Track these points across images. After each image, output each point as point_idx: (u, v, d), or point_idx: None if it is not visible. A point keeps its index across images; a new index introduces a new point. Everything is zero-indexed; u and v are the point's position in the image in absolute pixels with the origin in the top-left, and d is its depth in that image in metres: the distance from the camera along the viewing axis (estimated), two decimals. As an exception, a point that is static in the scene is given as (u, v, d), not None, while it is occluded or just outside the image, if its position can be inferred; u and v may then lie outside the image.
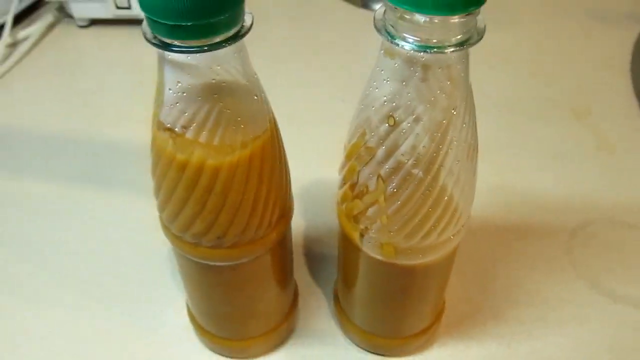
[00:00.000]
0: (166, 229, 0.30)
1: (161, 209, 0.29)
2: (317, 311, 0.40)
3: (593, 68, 0.66)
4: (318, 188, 0.49)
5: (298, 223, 0.46)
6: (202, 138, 0.25)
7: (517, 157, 0.53)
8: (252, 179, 0.27)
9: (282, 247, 0.33)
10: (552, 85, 0.63)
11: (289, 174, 0.31)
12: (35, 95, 0.62)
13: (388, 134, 0.26)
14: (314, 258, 0.44)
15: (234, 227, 0.27)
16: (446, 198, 0.28)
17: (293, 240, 0.35)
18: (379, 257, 0.30)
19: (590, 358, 0.37)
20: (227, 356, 0.37)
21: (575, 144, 0.55)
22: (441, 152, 0.26)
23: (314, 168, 0.48)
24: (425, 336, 0.37)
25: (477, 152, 0.29)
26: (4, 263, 0.43)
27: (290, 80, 0.64)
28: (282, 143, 0.30)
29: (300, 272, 0.43)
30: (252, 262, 0.30)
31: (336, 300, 0.39)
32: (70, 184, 0.50)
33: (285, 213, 0.31)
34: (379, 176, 0.27)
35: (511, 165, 0.52)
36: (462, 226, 0.31)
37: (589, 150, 0.54)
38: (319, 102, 0.61)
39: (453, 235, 0.30)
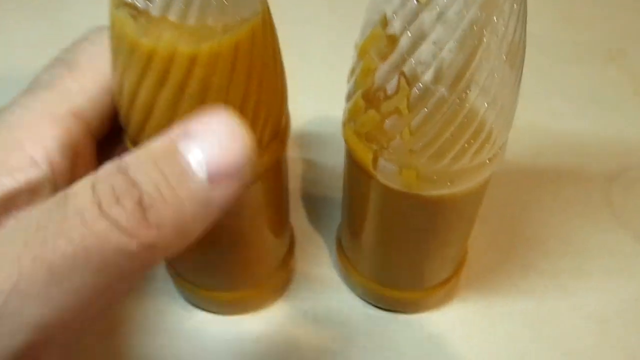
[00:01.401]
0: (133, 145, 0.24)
1: (125, 118, 0.22)
2: (317, 261, 0.35)
3: (629, 9, 0.59)
4: (319, 126, 0.43)
5: (296, 164, 0.40)
6: (173, 16, 0.19)
7: (550, 100, 0.47)
8: (238, 76, 0.21)
9: (275, 179, 0.27)
10: (586, 28, 0.56)
11: (285, 83, 0.25)
12: None
13: (416, 14, 0.20)
14: (314, 203, 0.38)
15: None
16: (486, 105, 0.22)
17: (290, 184, 0.29)
18: (396, 186, 0.24)
19: (636, 316, 0.32)
20: (215, 312, 0.32)
21: (611, 88, 0.49)
22: (481, 45, 0.20)
23: (314, 104, 0.42)
24: (443, 290, 0.31)
25: (523, 59, 0.23)
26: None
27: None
28: (278, 42, 0.23)
29: (298, 219, 0.37)
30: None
31: (339, 248, 0.33)
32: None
33: (280, 134, 0.25)
34: (401, 74, 0.21)
35: (544, 108, 0.45)
36: (500, 149, 0.25)
37: (625, 93, 0.48)
38: (327, 31, 0.54)
39: (489, 160, 0.24)
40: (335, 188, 0.37)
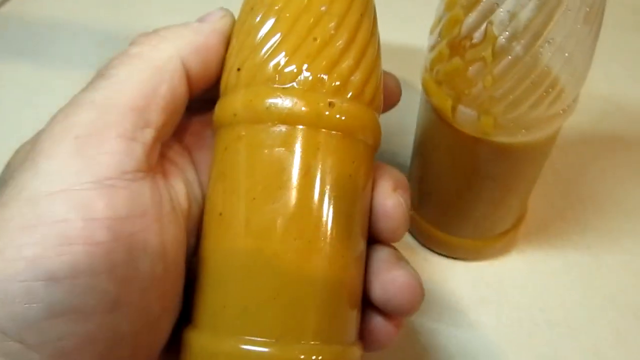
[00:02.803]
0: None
1: None
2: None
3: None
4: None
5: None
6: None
7: (608, 66, 0.47)
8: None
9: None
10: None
11: None
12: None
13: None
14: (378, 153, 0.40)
15: None
16: (566, 55, 0.23)
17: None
18: (472, 133, 0.26)
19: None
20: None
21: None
22: (561, 4, 0.22)
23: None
24: (503, 240, 0.33)
25: (601, 19, 0.24)
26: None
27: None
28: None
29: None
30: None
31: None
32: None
33: None
34: (489, 23, 0.23)
35: (601, 74, 0.46)
36: (573, 101, 0.26)
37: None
38: None
39: (562, 110, 0.26)
40: (399, 143, 0.39)
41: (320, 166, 0.19)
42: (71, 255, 0.16)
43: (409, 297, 0.20)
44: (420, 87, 0.28)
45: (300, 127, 0.19)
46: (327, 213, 0.19)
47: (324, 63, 0.19)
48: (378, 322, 0.21)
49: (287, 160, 0.19)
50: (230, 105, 0.20)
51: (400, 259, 0.21)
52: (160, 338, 0.20)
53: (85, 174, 0.17)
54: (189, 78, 0.20)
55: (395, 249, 0.22)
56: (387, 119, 0.41)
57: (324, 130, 0.19)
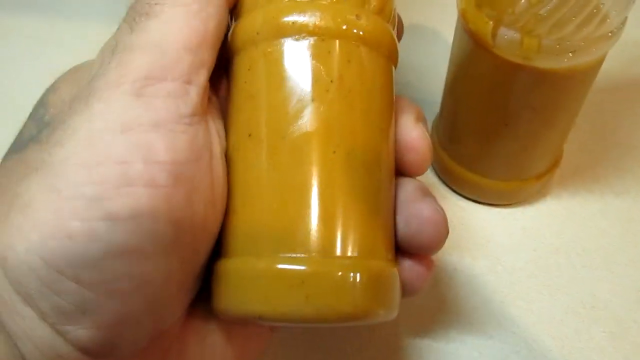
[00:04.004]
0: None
1: None
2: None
3: None
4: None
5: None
6: None
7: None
8: None
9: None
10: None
11: None
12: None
13: None
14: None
15: None
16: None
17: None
18: (514, 58, 0.25)
19: None
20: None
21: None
22: None
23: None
24: (538, 183, 0.32)
25: None
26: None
27: None
28: None
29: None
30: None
31: (435, 142, 0.34)
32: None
33: None
34: None
35: (633, 19, 0.44)
36: (621, 24, 0.25)
37: None
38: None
39: (611, 33, 0.24)
40: (428, 90, 0.38)
41: (351, 77, 0.18)
42: (132, 196, 0.16)
43: (433, 232, 0.20)
44: (447, 33, 0.27)
45: (329, 38, 0.18)
46: (363, 124, 0.19)
47: None
48: (407, 265, 0.20)
49: (318, 72, 0.18)
50: (251, 24, 0.19)
51: (426, 194, 0.21)
52: (199, 276, 0.19)
53: (145, 116, 0.17)
54: (229, 4, 0.19)
55: (420, 182, 0.21)
56: (415, 68, 0.40)
57: (352, 41, 0.19)
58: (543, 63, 0.24)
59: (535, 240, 0.32)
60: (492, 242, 0.32)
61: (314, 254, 0.17)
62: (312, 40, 0.18)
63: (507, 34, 0.24)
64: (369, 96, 0.19)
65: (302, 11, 0.18)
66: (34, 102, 0.20)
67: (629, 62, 0.40)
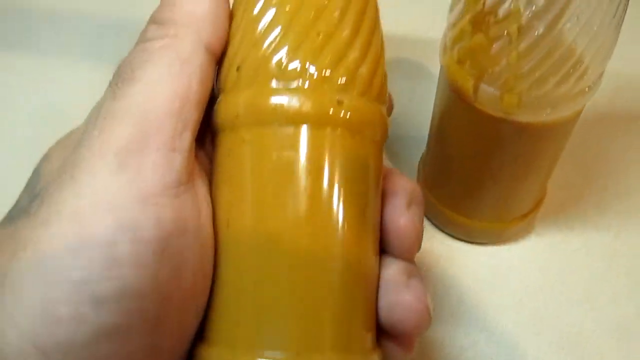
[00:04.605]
0: None
1: None
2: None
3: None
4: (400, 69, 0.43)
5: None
6: None
7: (624, 44, 0.46)
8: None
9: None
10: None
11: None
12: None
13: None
14: (392, 139, 0.39)
15: None
16: (592, 32, 0.23)
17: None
18: (495, 112, 0.25)
19: None
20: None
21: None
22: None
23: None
24: (522, 223, 0.33)
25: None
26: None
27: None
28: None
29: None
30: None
31: (422, 180, 0.34)
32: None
33: None
34: (514, -2, 0.22)
35: (618, 53, 0.45)
36: (598, 77, 0.25)
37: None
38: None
39: (588, 87, 0.25)
40: (414, 127, 0.39)
41: (330, 167, 0.18)
42: (119, 278, 0.16)
43: (416, 321, 0.19)
44: (433, 71, 0.27)
45: (308, 127, 0.18)
46: (341, 217, 0.18)
47: (329, 59, 0.18)
48: (389, 346, 0.20)
49: (296, 163, 0.18)
50: (231, 106, 0.19)
51: (411, 276, 0.20)
52: (187, 348, 0.19)
53: (131, 192, 0.17)
54: (214, 57, 0.19)
55: (406, 264, 0.21)
56: (402, 103, 0.41)
57: (332, 129, 0.18)
58: (523, 117, 0.25)
59: (520, 278, 0.33)
60: (478, 280, 0.32)
61: (294, 352, 0.17)
62: (291, 129, 0.18)
63: (487, 91, 0.25)
64: (351, 185, 0.18)
65: (282, 97, 0.18)
66: (26, 139, 0.20)
67: (612, 94, 0.41)
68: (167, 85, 0.18)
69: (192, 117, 0.18)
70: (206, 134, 0.21)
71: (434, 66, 0.30)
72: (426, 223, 0.35)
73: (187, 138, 0.18)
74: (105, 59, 0.19)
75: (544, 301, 0.32)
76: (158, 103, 0.18)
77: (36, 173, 0.19)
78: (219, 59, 0.20)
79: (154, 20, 0.19)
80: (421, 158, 0.35)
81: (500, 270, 0.33)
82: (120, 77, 0.18)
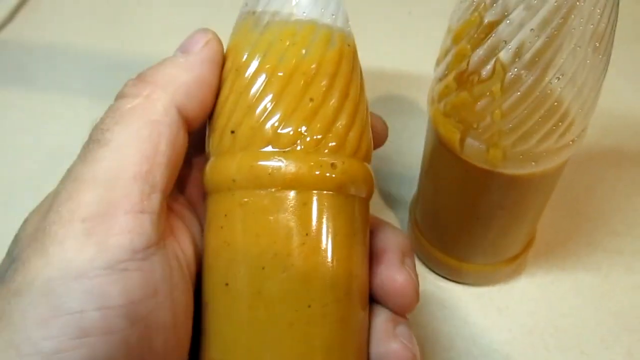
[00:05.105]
0: None
1: None
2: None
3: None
4: (393, 107, 0.44)
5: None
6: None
7: (612, 80, 0.47)
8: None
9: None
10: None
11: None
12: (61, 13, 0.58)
13: (517, 4, 0.21)
14: (385, 178, 0.40)
15: None
16: (577, 88, 0.23)
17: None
18: (481, 164, 0.26)
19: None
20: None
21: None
22: (571, 40, 0.21)
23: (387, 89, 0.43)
24: (512, 265, 0.33)
25: (610, 51, 0.24)
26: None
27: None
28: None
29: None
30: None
31: (413, 222, 0.35)
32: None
33: None
34: (497, 60, 0.22)
35: (606, 88, 0.46)
36: (583, 131, 0.26)
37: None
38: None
39: (572, 141, 0.25)
40: (405, 165, 0.39)
41: (327, 229, 0.19)
42: (88, 347, 0.16)
43: None
44: (425, 107, 0.28)
45: (303, 190, 0.19)
46: (338, 276, 0.19)
47: (321, 124, 0.19)
48: None
49: (295, 226, 0.19)
50: (226, 170, 0.19)
51: (397, 324, 0.21)
52: None
53: (98, 259, 0.17)
54: (187, 122, 0.20)
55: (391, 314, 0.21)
56: (395, 140, 0.41)
57: (328, 192, 0.19)
58: (509, 170, 0.26)
59: (510, 321, 0.33)
60: (468, 322, 0.33)
61: None
62: (289, 193, 0.19)
63: (473, 144, 0.25)
64: (345, 244, 0.19)
65: (279, 162, 0.19)
66: (23, 175, 0.20)
67: (600, 133, 0.41)
68: (134, 149, 0.18)
69: (162, 178, 0.18)
70: (186, 182, 0.22)
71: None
72: (417, 264, 0.35)
73: (156, 199, 0.18)
74: (105, 95, 0.20)
75: (533, 345, 0.32)
76: (125, 167, 0.18)
77: (15, 239, 0.20)
78: (201, 125, 0.20)
79: (137, 76, 0.20)
80: (412, 198, 0.35)
81: (491, 312, 0.33)
82: (91, 139, 0.19)
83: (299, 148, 0.19)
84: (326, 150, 0.19)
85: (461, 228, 0.30)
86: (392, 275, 0.21)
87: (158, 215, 0.18)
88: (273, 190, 0.19)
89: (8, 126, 0.43)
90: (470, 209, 0.29)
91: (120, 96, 0.20)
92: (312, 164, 0.19)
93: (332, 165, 0.19)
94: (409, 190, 0.37)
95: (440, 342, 0.32)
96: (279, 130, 0.19)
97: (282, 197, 0.19)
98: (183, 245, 0.20)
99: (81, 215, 0.17)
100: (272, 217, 0.18)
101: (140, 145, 0.18)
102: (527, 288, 0.34)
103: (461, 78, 0.24)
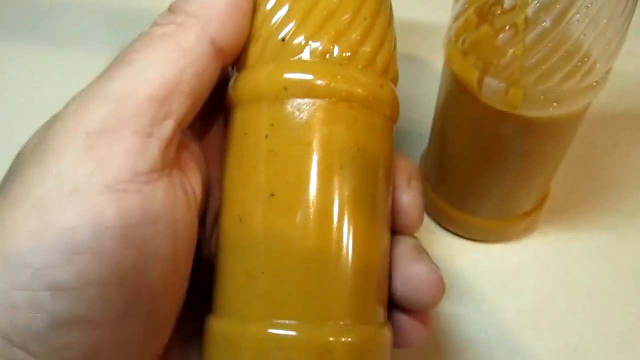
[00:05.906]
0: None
1: None
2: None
3: None
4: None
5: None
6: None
7: (629, 42, 0.46)
8: None
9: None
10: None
11: None
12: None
13: None
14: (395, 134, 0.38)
15: None
16: (600, 26, 0.22)
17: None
18: (500, 106, 0.25)
19: None
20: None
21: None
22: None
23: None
24: (525, 222, 0.32)
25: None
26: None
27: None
28: None
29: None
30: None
31: (423, 177, 0.34)
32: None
33: None
34: (522, -13, 0.21)
35: (623, 51, 0.45)
36: (606, 73, 0.25)
37: None
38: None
39: (595, 83, 0.24)
40: (415, 122, 0.38)
41: (372, 146, 0.19)
42: (79, 265, 0.15)
43: (430, 292, 0.20)
44: (436, 65, 0.27)
45: (359, 107, 0.19)
46: (380, 196, 0.19)
47: (374, 45, 0.19)
48: (404, 320, 0.21)
49: (347, 140, 0.18)
50: (275, 77, 0.19)
51: (421, 252, 0.21)
52: (166, 336, 0.19)
53: (96, 176, 0.16)
54: (221, 54, 0.19)
55: (416, 239, 0.22)
56: (404, 94, 0.40)
57: (376, 111, 0.19)
58: (528, 112, 0.24)
59: (522, 279, 0.32)
60: (478, 279, 0.32)
61: (303, 321, 0.17)
62: (343, 105, 0.19)
63: (492, 84, 0.24)
64: (387, 166, 0.20)
65: (332, 75, 0.18)
66: (28, 132, 0.19)
67: (617, 95, 0.40)
68: (157, 72, 0.17)
69: (180, 107, 0.18)
70: (208, 129, 0.21)
71: (437, 60, 0.30)
72: (427, 220, 0.34)
73: (168, 126, 0.17)
74: (107, 48, 0.19)
75: (544, 304, 0.31)
76: (142, 88, 0.17)
77: (20, 150, 0.19)
78: (236, 57, 0.20)
79: (169, 7, 0.19)
80: (422, 154, 0.34)
81: (502, 269, 0.32)
82: (118, 58, 0.18)
83: (354, 64, 0.19)
84: (377, 71, 0.20)
85: (474, 179, 0.30)
86: (399, 195, 0.21)
87: (168, 143, 0.17)
88: (328, 101, 0.18)
89: (7, 80, 0.42)
90: (485, 158, 0.28)
91: (154, 24, 0.19)
92: (369, 81, 0.19)
93: (381, 85, 0.20)
94: (418, 148, 0.36)
95: (450, 297, 0.31)
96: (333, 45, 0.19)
97: (337, 108, 0.18)
98: (193, 182, 0.19)
99: (86, 128, 0.16)
100: (325, 129, 0.18)
101: (164, 69, 0.17)
102: (540, 247, 0.33)
103: (482, 11, 0.23)
